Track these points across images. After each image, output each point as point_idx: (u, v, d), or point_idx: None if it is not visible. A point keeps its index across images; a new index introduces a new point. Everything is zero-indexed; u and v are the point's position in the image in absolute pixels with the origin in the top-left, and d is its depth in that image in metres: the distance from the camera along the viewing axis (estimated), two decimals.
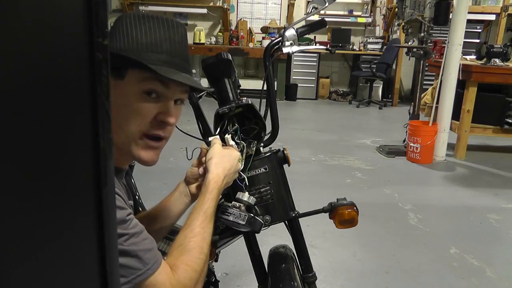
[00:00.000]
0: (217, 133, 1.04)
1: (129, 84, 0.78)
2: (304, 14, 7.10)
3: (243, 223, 1.00)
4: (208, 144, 1.01)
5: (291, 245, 1.22)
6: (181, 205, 1.07)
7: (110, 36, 0.79)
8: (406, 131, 4.07)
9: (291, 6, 7.27)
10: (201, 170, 1.01)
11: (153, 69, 0.75)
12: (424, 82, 4.22)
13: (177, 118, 0.85)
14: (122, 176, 0.87)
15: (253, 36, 7.19)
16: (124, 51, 0.78)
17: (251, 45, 7.11)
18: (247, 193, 1.03)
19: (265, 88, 1.15)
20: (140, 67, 0.76)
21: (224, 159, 0.94)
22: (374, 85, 7.06)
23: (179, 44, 0.83)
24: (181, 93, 0.84)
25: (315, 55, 7.11)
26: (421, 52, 3.99)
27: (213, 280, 1.35)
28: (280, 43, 1.18)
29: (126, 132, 0.79)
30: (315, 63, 7.17)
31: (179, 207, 1.07)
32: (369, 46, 7.31)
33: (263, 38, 7.06)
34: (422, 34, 3.97)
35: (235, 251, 1.80)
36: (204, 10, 7.15)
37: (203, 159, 1.00)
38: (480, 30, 6.76)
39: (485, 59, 4.09)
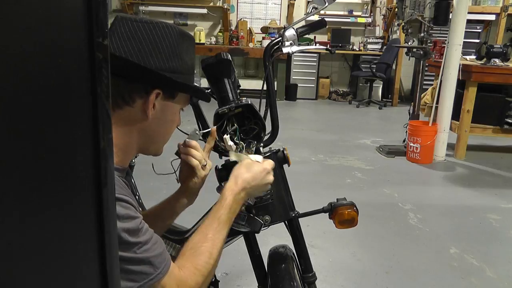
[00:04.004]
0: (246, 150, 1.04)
1: (179, 103, 0.88)
2: (304, 14, 7.08)
3: (243, 223, 1.00)
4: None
5: (291, 245, 1.23)
6: (176, 203, 1.07)
7: (152, 47, 0.80)
8: (406, 131, 4.07)
9: (291, 6, 7.26)
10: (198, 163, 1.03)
11: (206, 96, 0.92)
12: (424, 82, 4.22)
13: None
14: (124, 174, 0.89)
15: (253, 36, 7.19)
16: (178, 73, 0.83)
17: (251, 45, 7.11)
18: None
19: (265, 88, 1.15)
20: (192, 93, 0.89)
21: (250, 171, 0.95)
22: (374, 85, 7.06)
23: None
24: None
25: (315, 55, 7.10)
26: (421, 52, 3.99)
27: (213, 280, 1.35)
28: (280, 43, 1.18)
29: (165, 140, 0.90)
30: (315, 63, 7.17)
31: (175, 205, 1.07)
32: (369, 46, 7.31)
33: (263, 38, 7.06)
34: (422, 34, 3.97)
35: (235, 251, 1.80)
36: (204, 10, 7.15)
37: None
38: (480, 30, 6.75)
39: (485, 59, 4.09)
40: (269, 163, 0.99)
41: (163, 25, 0.82)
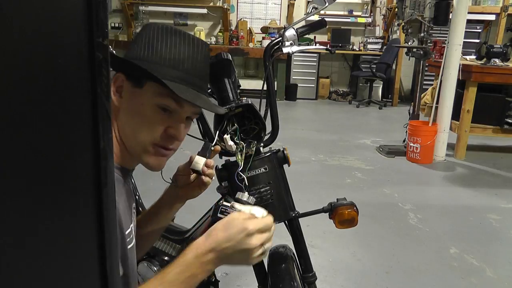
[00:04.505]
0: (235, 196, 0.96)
1: (146, 94, 0.79)
2: (304, 14, 7.09)
3: None
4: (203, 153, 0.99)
5: (291, 245, 1.22)
6: (172, 208, 1.05)
7: (133, 43, 0.82)
8: (406, 131, 4.07)
9: (291, 6, 7.27)
10: (192, 177, 1.01)
11: (168, 86, 0.77)
12: (424, 82, 4.22)
13: (186, 133, 0.87)
14: (129, 176, 0.87)
15: (253, 36, 7.19)
16: (144, 61, 0.79)
17: (251, 45, 7.11)
18: (246, 193, 1.03)
19: (265, 88, 1.15)
20: (158, 82, 0.77)
21: (225, 230, 0.75)
22: (374, 85, 7.06)
23: (200, 64, 0.84)
24: (193, 113, 0.86)
25: (315, 55, 7.11)
26: (421, 52, 3.99)
27: (213, 280, 1.35)
28: (280, 43, 1.18)
29: (137, 139, 0.80)
30: (315, 63, 7.17)
31: (169, 211, 1.05)
32: (369, 46, 7.31)
33: (263, 38, 7.06)
34: (422, 34, 3.97)
35: None
36: (204, 10, 7.15)
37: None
38: (480, 30, 6.76)
39: (485, 59, 4.09)
40: (256, 223, 0.76)
41: (150, 24, 0.84)
